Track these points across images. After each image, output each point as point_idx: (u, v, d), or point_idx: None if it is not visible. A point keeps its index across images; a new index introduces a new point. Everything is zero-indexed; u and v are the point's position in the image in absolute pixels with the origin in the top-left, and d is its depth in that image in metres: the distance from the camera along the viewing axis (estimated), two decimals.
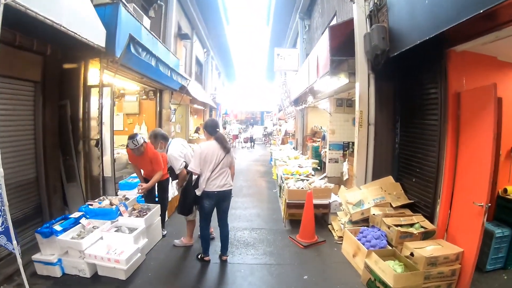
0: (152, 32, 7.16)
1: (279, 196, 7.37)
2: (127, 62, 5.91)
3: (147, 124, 9.83)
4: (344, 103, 8.58)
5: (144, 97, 9.67)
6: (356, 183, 5.29)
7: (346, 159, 7.23)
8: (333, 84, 6.15)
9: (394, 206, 4.68)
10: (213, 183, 3.95)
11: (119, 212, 4.72)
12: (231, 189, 4.15)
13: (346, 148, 8.69)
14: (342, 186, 5.80)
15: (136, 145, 4.67)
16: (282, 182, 6.22)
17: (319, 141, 11.70)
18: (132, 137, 4.71)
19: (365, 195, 4.79)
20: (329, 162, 8.70)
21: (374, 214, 4.44)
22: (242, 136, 20.61)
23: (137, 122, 9.94)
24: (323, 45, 5.82)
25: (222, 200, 4.09)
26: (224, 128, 19.21)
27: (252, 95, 43.76)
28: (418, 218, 4.29)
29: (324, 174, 5.63)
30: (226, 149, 4.03)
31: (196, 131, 16.65)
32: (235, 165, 4.40)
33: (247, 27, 21.99)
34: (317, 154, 10.86)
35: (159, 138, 4.80)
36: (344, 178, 7.16)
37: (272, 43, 18.56)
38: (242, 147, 20.80)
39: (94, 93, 5.54)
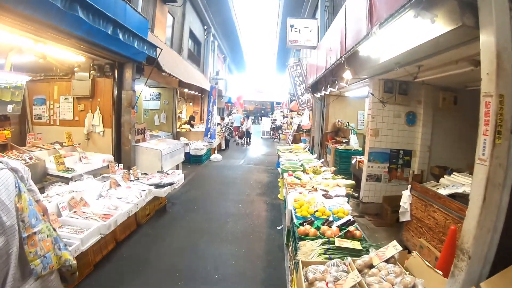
0: None
1: (286, 244, 4.32)
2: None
3: (102, 111, 6.88)
4: (396, 88, 5.49)
5: (95, 73, 6.71)
6: (467, 271, 2.20)
7: (409, 186, 4.11)
8: (410, 38, 3.01)
9: None
10: None
11: None
12: None
13: (394, 159, 5.64)
14: (415, 255, 2.73)
15: None
16: (293, 237, 3.19)
17: (346, 141, 8.63)
18: None
19: None
20: (367, 180, 5.68)
21: None
22: (244, 128, 17.13)
23: (89, 109, 6.99)
24: None
25: None
26: (222, 119, 15.91)
27: (262, 85, 41.06)
28: None
29: (398, 249, 2.44)
30: None
31: (189, 121, 13.61)
32: None
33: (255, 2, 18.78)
34: (343, 162, 7.83)
35: None
36: (403, 219, 4.08)
37: (284, 20, 15.18)
38: (236, 143, 17.50)
39: None
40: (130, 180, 5.61)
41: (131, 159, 6.86)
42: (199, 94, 14.91)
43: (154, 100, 11.45)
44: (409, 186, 4.09)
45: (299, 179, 5.17)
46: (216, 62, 19.86)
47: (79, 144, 6.31)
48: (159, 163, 6.96)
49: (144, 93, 11.46)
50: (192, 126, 13.11)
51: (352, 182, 4.80)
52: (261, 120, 26.10)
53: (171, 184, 5.50)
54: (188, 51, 13.17)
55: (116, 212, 4.15)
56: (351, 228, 2.98)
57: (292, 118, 18.22)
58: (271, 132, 21.50)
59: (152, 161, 6.99)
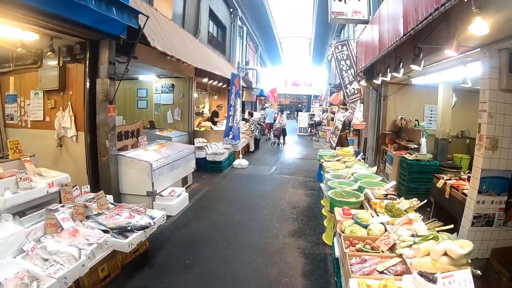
0: None
1: None
2: None
3: (74, 109, 4.97)
4: None
5: (64, 57, 4.80)
6: None
7: None
8: None
9: None
10: None
11: None
12: None
13: None
14: None
15: None
16: None
17: (415, 147, 6.13)
18: None
19: None
20: (473, 223, 3.28)
21: None
22: (278, 125, 14.48)
23: (61, 106, 5.11)
24: None
25: None
26: (251, 114, 13.44)
27: (299, 77, 38.37)
28: None
29: None
30: None
31: (212, 117, 11.50)
32: None
33: None
34: (413, 178, 5.44)
35: None
36: None
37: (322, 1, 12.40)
38: (272, 142, 14.80)
39: None
40: (87, 217, 3.57)
41: (111, 174, 4.87)
42: (225, 86, 12.74)
43: (167, 93, 9.47)
44: None
45: (365, 227, 2.85)
46: (246, 51, 17.66)
47: (31, 156, 4.34)
48: (149, 180, 4.90)
49: (155, 84, 9.56)
50: (215, 123, 11.03)
51: (470, 246, 2.42)
52: (297, 115, 23.46)
53: (144, 228, 3.36)
54: (209, 34, 11.09)
55: None
56: None
57: (333, 113, 15.60)
58: (309, 129, 18.86)
59: (139, 178, 4.96)
